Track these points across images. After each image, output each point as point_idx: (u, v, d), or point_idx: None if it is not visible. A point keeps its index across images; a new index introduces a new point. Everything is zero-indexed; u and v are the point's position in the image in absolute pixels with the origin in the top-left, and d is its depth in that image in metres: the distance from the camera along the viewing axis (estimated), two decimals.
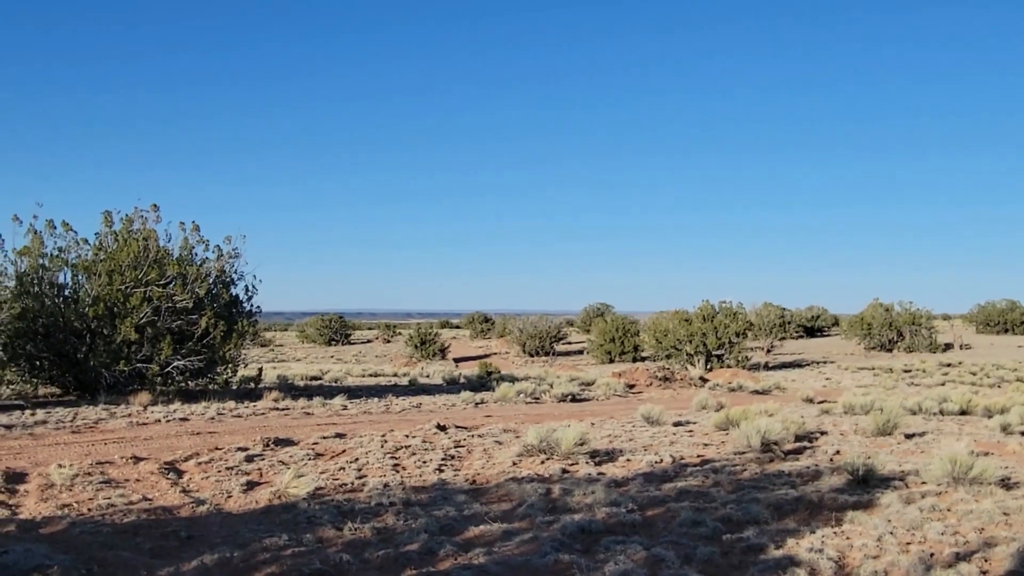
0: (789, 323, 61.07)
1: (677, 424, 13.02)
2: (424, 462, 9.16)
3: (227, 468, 8.63)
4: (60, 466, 7.95)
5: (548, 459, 9.11)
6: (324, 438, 10.71)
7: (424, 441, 10.62)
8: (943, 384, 28.84)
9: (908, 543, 5.70)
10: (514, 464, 9.00)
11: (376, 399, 17.23)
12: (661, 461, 9.17)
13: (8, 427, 10.90)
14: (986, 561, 5.29)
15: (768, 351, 47.61)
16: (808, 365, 41.97)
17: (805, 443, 10.65)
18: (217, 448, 9.74)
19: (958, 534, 5.91)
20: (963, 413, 15.71)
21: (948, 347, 50.42)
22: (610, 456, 9.51)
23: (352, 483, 7.95)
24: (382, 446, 10.12)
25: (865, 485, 7.65)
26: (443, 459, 9.37)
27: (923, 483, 7.74)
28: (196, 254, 17.37)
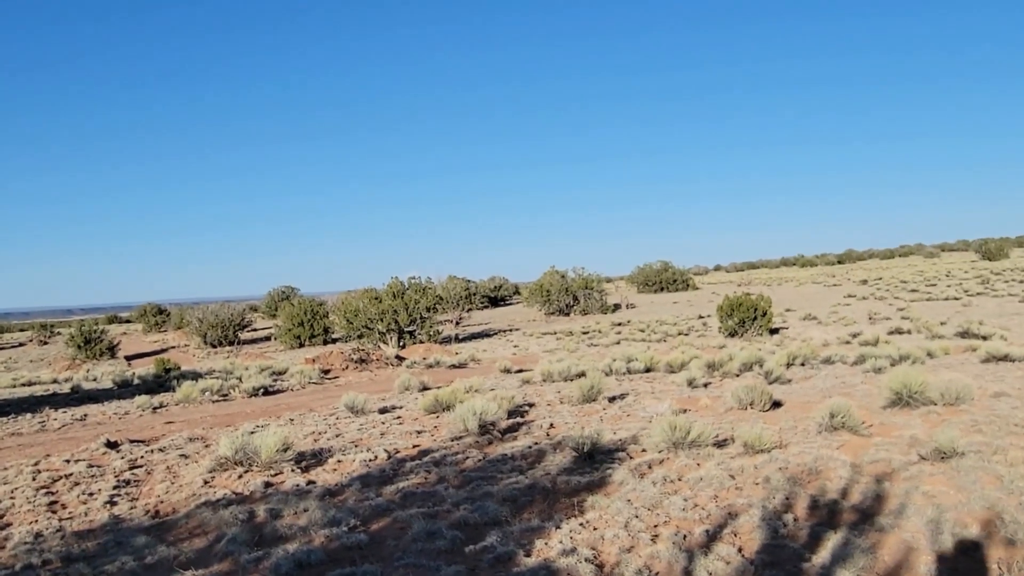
0: (474, 294, 63.00)
1: (384, 411, 12.21)
2: (90, 494, 7.47)
3: None
4: None
5: (247, 471, 7.82)
6: None
7: (90, 466, 8.81)
8: (618, 343, 30.98)
9: (656, 526, 5.35)
10: (206, 483, 7.59)
11: (29, 415, 14.56)
12: (376, 458, 8.28)
13: None
14: (736, 536, 5.05)
15: (457, 323, 48.44)
16: (496, 334, 43.30)
17: (518, 419, 10.34)
18: None
19: (698, 506, 5.69)
20: (648, 371, 16.61)
21: (617, 307, 54.82)
22: (318, 458, 8.42)
23: None
24: (34, 478, 8.21)
25: (591, 461, 7.36)
26: (115, 487, 7.71)
27: (643, 451, 7.63)
28: None
